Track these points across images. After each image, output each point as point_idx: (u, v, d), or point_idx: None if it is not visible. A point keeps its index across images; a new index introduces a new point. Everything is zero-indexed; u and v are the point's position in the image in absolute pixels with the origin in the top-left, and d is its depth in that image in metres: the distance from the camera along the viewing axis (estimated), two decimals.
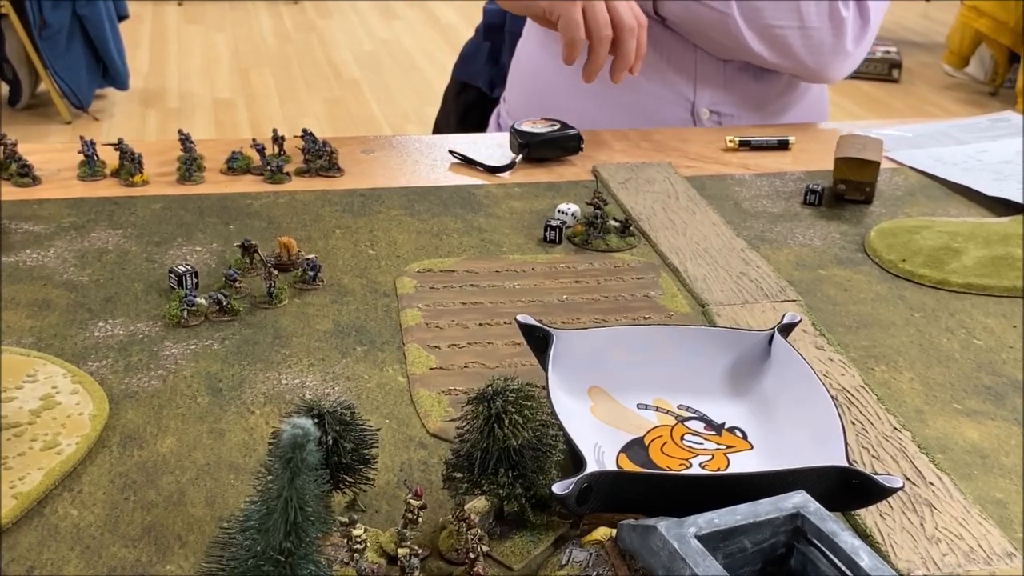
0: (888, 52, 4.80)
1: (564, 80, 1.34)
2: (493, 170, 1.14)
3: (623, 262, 0.94)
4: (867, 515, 0.62)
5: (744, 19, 1.22)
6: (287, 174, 1.10)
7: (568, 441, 0.59)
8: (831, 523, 0.50)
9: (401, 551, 0.54)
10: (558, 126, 1.18)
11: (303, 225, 0.99)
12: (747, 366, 0.71)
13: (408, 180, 1.12)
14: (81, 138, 1.09)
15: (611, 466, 0.63)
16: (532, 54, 1.39)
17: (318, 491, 0.47)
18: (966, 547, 0.60)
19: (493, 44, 1.59)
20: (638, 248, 0.97)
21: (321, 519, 0.48)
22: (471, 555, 0.55)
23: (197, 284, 0.85)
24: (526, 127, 1.17)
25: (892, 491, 0.56)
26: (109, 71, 3.99)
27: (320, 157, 1.12)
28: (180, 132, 1.11)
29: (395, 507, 0.61)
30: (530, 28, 1.41)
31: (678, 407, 0.70)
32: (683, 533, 0.49)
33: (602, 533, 0.55)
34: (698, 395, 0.70)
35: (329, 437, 0.56)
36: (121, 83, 4.07)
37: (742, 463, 0.65)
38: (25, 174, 1.06)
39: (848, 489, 0.57)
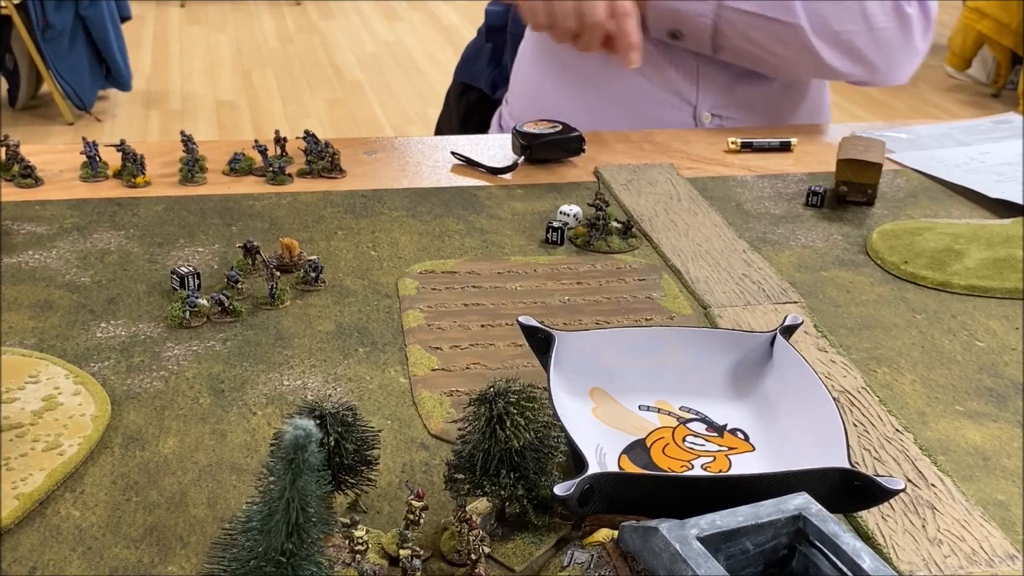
0: None
1: (565, 82, 1.34)
2: (495, 171, 1.14)
3: (625, 263, 0.94)
4: (869, 517, 0.62)
5: (812, 29, 1.20)
6: (289, 175, 1.10)
7: (570, 442, 0.59)
8: (833, 525, 0.50)
9: (403, 552, 0.54)
10: (560, 127, 1.18)
11: (305, 226, 0.99)
12: (749, 368, 0.71)
13: (410, 181, 1.12)
14: (83, 139, 1.09)
15: (613, 467, 0.63)
16: (533, 56, 1.39)
17: (320, 492, 0.47)
18: (968, 549, 0.60)
19: (495, 45, 1.59)
20: (640, 249, 0.97)
21: (323, 520, 0.48)
22: (473, 556, 0.55)
23: (199, 285, 0.85)
24: (528, 128, 1.17)
25: (894, 493, 0.56)
26: (112, 72, 3.99)
27: (322, 158, 1.12)
28: (182, 133, 1.11)
29: (397, 508, 0.61)
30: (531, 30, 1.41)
31: (680, 408, 0.70)
32: (685, 535, 0.49)
33: (604, 534, 0.55)
34: (700, 397, 0.70)
35: (331, 438, 0.56)
36: (123, 84, 4.08)
37: (744, 465, 0.65)
38: (28, 175, 1.06)
39: (850, 491, 0.57)
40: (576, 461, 0.58)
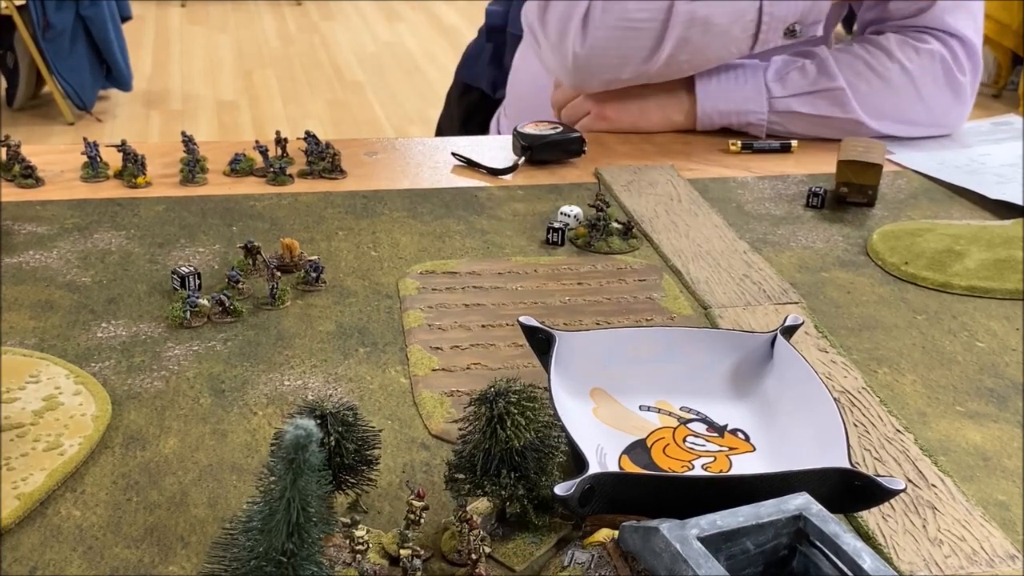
0: None
1: None
2: (496, 172, 1.14)
3: (625, 264, 0.94)
4: (869, 517, 0.62)
5: (870, 116, 1.24)
6: (290, 176, 1.10)
7: (570, 442, 0.59)
8: (833, 525, 0.50)
9: (403, 552, 0.54)
10: (560, 128, 1.18)
11: (306, 227, 0.99)
12: (749, 368, 0.71)
13: (411, 182, 1.12)
14: (84, 139, 1.09)
15: (613, 468, 0.63)
16: (532, 57, 1.39)
17: (320, 492, 0.47)
18: (968, 549, 0.60)
19: (495, 46, 1.59)
20: (640, 250, 0.97)
21: (323, 520, 0.48)
22: (473, 556, 0.55)
23: (200, 285, 0.85)
24: (529, 129, 1.17)
25: (894, 493, 0.56)
26: (112, 72, 4.00)
27: (323, 159, 1.12)
28: (183, 134, 1.12)
29: (397, 508, 0.61)
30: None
31: (680, 409, 0.70)
32: (685, 535, 0.49)
33: (604, 534, 0.55)
34: (700, 397, 0.70)
35: (331, 438, 0.56)
36: (124, 84, 4.08)
37: (744, 465, 0.65)
38: (28, 175, 1.06)
39: (850, 491, 0.57)
40: (577, 461, 0.58)
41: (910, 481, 0.65)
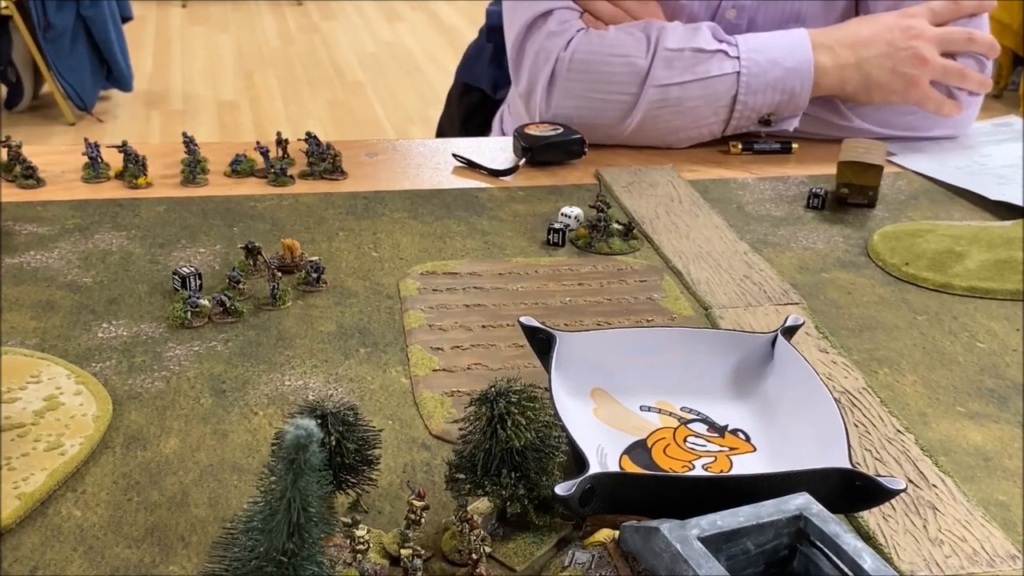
0: None
1: None
2: (496, 173, 1.14)
3: (626, 265, 0.94)
4: (870, 517, 0.62)
5: (876, 125, 1.24)
6: (291, 177, 1.10)
7: (571, 442, 0.59)
8: (834, 525, 0.50)
9: (404, 552, 0.54)
10: (561, 130, 1.18)
11: (307, 227, 0.99)
12: (750, 368, 0.71)
13: (411, 183, 1.12)
14: (85, 140, 1.10)
15: (614, 468, 0.63)
16: None
17: (321, 492, 0.47)
18: (969, 549, 0.60)
19: (496, 46, 1.59)
20: (641, 251, 0.97)
21: (324, 520, 0.48)
22: (474, 556, 0.55)
23: (201, 286, 0.85)
24: (529, 131, 1.17)
25: (895, 493, 0.57)
26: (113, 73, 4.00)
27: (324, 160, 1.12)
28: (184, 135, 1.12)
29: (398, 508, 0.62)
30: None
31: (681, 409, 0.70)
32: (686, 535, 0.49)
33: (605, 535, 0.55)
34: (701, 397, 0.71)
35: (332, 438, 0.57)
36: (125, 85, 4.08)
37: (745, 465, 0.65)
38: (29, 176, 1.06)
39: (851, 491, 0.57)
40: (577, 461, 0.58)
41: (911, 481, 0.65)
